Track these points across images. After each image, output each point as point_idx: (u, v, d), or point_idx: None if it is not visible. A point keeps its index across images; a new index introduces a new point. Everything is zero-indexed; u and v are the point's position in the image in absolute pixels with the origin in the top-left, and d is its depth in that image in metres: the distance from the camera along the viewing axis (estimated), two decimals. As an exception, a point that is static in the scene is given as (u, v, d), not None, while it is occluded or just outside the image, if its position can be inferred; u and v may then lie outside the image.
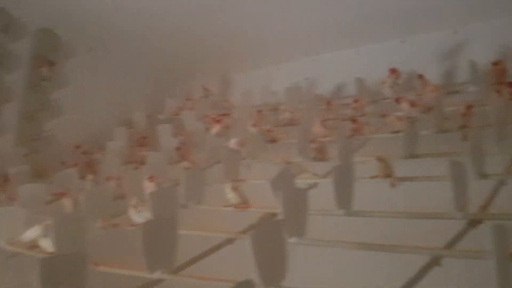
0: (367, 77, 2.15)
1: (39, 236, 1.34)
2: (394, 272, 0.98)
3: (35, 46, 2.42)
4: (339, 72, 2.36)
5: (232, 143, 1.78)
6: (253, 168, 1.77)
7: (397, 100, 1.70)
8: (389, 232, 1.22)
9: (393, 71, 1.94)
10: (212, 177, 1.66)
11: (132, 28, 2.49)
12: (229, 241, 1.18)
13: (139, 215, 1.36)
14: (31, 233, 1.35)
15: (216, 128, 2.02)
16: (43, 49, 2.45)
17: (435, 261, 0.86)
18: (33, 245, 1.37)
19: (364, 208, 1.19)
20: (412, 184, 1.31)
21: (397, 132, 1.57)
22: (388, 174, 1.32)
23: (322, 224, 1.17)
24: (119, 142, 2.35)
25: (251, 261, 0.81)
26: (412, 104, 1.66)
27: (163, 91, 2.89)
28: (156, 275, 1.00)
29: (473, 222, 0.99)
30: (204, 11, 2.29)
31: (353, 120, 1.66)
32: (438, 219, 1.09)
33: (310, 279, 1.40)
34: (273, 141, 1.93)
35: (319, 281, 1.68)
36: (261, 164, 1.83)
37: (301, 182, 1.38)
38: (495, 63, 1.70)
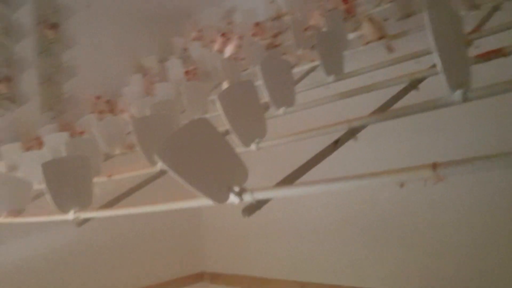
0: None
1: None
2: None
3: (36, 11, 2.48)
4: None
5: (228, 50, 1.77)
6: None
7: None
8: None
9: None
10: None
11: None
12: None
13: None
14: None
15: (217, 45, 2.02)
16: (44, 13, 2.50)
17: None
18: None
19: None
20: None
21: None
22: (381, 36, 1.27)
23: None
24: (135, 87, 2.40)
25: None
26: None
27: (170, 31, 2.89)
28: (157, 167, 1.05)
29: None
30: None
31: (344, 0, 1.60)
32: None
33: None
34: (274, 46, 1.91)
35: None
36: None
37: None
38: None
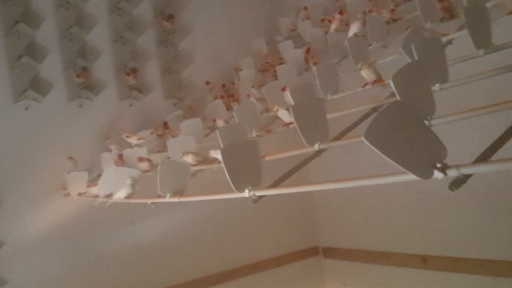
0: None
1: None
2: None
3: (154, 5, 2.65)
4: None
5: (352, 30, 1.79)
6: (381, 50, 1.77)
7: None
8: None
9: None
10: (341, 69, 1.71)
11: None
12: (375, 109, 1.24)
13: (287, 115, 1.49)
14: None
15: (334, 25, 2.04)
16: (161, 6, 2.67)
17: None
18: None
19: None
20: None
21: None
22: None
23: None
24: (249, 71, 2.50)
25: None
26: None
27: (274, 12, 2.96)
28: (316, 147, 1.12)
29: None
30: None
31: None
32: None
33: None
34: (394, 20, 1.89)
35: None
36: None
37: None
38: None
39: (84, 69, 2.34)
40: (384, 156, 0.66)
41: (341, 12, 2.02)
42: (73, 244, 2.24)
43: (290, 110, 1.12)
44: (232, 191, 1.05)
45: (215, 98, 2.36)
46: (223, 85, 2.60)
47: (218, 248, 2.68)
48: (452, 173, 0.65)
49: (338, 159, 2.21)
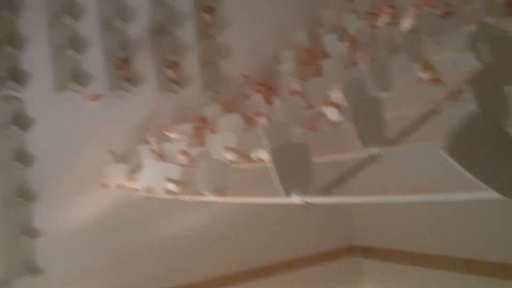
0: None
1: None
2: None
3: (194, -4, 2.61)
4: None
5: (405, 24, 1.69)
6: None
7: None
8: None
9: None
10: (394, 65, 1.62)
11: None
12: (435, 111, 1.16)
13: (334, 113, 1.42)
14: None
15: (382, 19, 1.94)
16: (201, -1, 2.63)
17: None
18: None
19: None
20: None
21: None
22: None
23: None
24: (290, 64, 2.44)
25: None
26: None
27: (316, 3, 2.87)
28: (370, 150, 1.05)
29: None
30: None
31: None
32: None
33: None
34: (448, 14, 1.79)
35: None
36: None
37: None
38: None
39: (125, 61, 2.34)
40: (466, 172, 0.59)
41: (391, 6, 1.92)
42: (111, 236, 2.25)
43: (341, 108, 1.05)
44: (279, 195, 1.00)
45: (256, 92, 2.30)
46: (262, 79, 2.55)
47: (252, 243, 2.64)
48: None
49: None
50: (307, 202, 0.98)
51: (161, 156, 2.00)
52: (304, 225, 2.77)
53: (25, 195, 2.06)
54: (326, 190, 1.02)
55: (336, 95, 1.53)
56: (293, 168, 0.99)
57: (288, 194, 0.99)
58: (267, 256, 2.68)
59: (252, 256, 2.63)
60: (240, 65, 2.70)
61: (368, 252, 2.91)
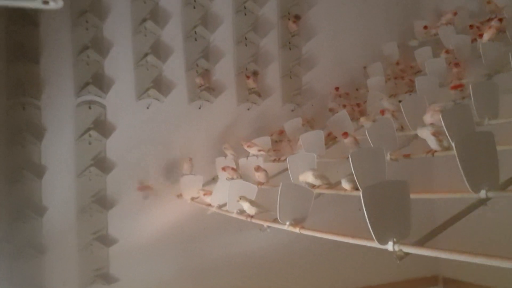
0: None
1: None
2: None
3: (280, 4, 2.52)
4: None
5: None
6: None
7: None
8: None
9: None
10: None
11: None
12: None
13: (436, 143, 1.25)
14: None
15: (489, 33, 1.73)
16: (287, 6, 2.53)
17: None
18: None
19: None
20: None
21: None
22: None
23: None
24: (378, 78, 2.28)
25: None
26: None
27: (409, 14, 2.67)
28: (482, 194, 0.89)
29: None
30: None
31: None
32: None
33: None
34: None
35: None
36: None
37: None
38: None
39: (206, 70, 2.30)
40: None
41: (500, 19, 1.70)
42: (184, 247, 2.21)
43: (453, 144, 0.89)
44: (371, 239, 0.87)
45: (343, 107, 2.16)
46: (347, 93, 2.40)
47: (332, 268, 2.50)
48: None
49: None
50: (404, 252, 0.85)
51: (237, 171, 1.93)
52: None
53: (102, 202, 2.07)
54: (425, 240, 0.88)
55: (434, 119, 1.37)
56: (389, 210, 0.86)
57: (382, 241, 0.86)
58: (346, 281, 2.52)
59: (331, 281, 2.50)
60: (323, 77, 2.57)
61: (451, 284, 2.66)
